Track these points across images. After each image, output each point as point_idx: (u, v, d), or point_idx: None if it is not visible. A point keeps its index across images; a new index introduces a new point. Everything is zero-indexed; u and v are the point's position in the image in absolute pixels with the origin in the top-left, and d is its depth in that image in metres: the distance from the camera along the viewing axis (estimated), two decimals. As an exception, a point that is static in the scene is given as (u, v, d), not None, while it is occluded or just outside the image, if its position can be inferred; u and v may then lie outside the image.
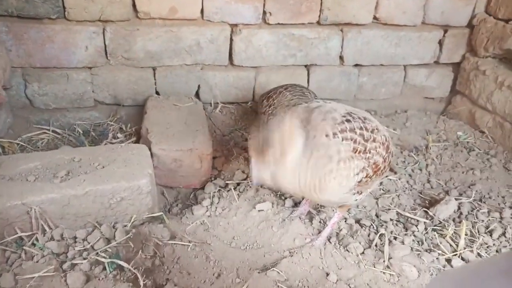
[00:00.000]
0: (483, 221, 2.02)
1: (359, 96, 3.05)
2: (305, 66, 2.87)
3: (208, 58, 2.66)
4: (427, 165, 2.49)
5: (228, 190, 2.08)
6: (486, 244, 1.88)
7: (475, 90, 2.92)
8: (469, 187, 2.32)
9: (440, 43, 2.97)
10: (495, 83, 2.74)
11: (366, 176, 1.53)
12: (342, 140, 1.47)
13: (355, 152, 1.48)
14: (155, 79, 2.64)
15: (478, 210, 2.10)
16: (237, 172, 2.21)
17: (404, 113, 3.10)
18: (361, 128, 1.50)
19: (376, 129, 1.57)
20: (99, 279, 1.53)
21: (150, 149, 2.03)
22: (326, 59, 2.85)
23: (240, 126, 2.68)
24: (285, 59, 2.78)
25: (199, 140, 2.18)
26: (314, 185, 1.49)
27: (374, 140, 1.53)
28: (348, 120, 1.51)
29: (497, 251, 1.85)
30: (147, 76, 2.62)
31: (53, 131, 2.51)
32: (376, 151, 1.53)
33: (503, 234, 1.94)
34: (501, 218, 2.06)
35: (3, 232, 1.61)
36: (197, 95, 2.76)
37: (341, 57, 2.88)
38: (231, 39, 2.65)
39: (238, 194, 2.05)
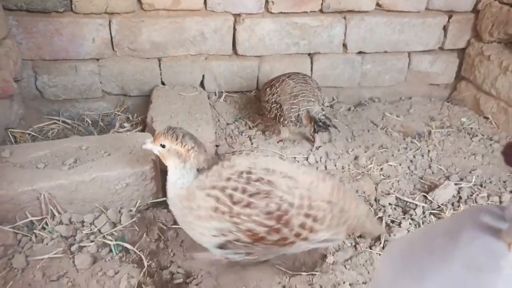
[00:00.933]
0: (479, 203, 2.04)
1: (363, 83, 3.06)
2: (309, 54, 2.89)
3: (212, 48, 2.71)
4: (429, 151, 2.51)
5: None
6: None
7: (479, 75, 2.90)
8: (470, 172, 2.33)
9: (445, 28, 2.96)
10: (500, 68, 2.72)
11: (238, 240, 1.43)
12: (206, 195, 1.42)
13: (215, 211, 1.41)
14: (160, 70, 2.70)
15: (477, 195, 2.12)
16: (240, 159, 2.26)
17: (409, 99, 3.10)
18: (235, 189, 1.40)
19: (264, 195, 1.41)
20: (105, 261, 1.61)
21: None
22: (329, 47, 2.87)
23: (244, 115, 2.73)
24: (288, 47, 2.80)
25: (202, 128, 2.24)
26: None
27: (248, 205, 1.40)
28: (228, 179, 1.43)
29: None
30: (153, 66, 2.68)
31: (63, 121, 2.60)
32: (249, 217, 1.39)
33: (501, 217, 1.96)
34: (500, 202, 2.08)
35: (15, 217, 1.70)
36: (201, 84, 2.81)
37: (344, 45, 2.89)
38: (235, 29, 2.68)
39: (240, 180, 2.10)
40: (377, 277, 0.84)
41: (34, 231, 1.67)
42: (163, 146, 1.52)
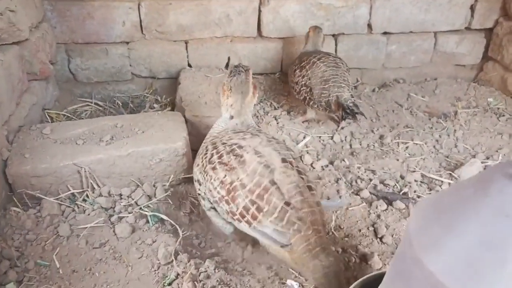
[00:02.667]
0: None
1: (387, 64, 3.06)
2: (333, 35, 2.90)
3: (237, 30, 2.75)
4: (455, 130, 2.51)
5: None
6: None
7: (507, 55, 2.86)
8: (496, 151, 2.33)
9: (472, 8, 2.92)
10: (529, 47, 2.69)
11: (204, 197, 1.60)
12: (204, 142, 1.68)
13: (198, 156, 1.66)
14: (187, 52, 2.76)
15: (504, 172, 2.12)
16: (266, 138, 2.32)
17: (434, 80, 3.09)
18: (218, 151, 1.57)
19: (227, 169, 1.49)
20: (143, 230, 1.70)
21: (184, 116, 2.17)
22: (353, 28, 2.87)
23: (269, 96, 2.77)
24: (312, 29, 2.82)
25: (230, 108, 2.29)
26: None
27: (213, 169, 1.53)
28: (223, 143, 1.60)
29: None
30: (180, 49, 2.74)
31: (95, 103, 2.70)
32: (209, 180, 1.54)
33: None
34: (528, 180, 2.08)
35: (57, 189, 1.80)
36: (227, 66, 2.86)
37: (369, 25, 2.89)
38: (259, 11, 2.72)
39: (267, 158, 2.16)
40: (407, 229, 0.89)
41: (76, 202, 1.77)
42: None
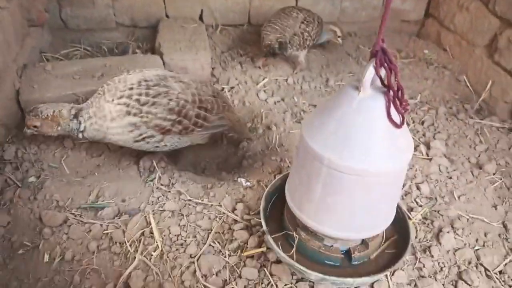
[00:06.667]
0: (418, 114, 2.60)
1: (342, 19, 3.50)
2: (294, -8, 3.31)
3: (209, -15, 3.13)
4: (389, 76, 3.02)
5: (224, 92, 2.68)
6: (416, 130, 2.48)
7: (442, 13, 3.34)
8: (419, 93, 2.86)
9: (415, -31, 3.34)
10: (457, 6, 3.16)
11: (150, 136, 1.82)
12: (117, 105, 1.75)
13: (128, 115, 1.75)
14: (164, 4, 3.14)
15: (419, 108, 2.67)
16: (231, 79, 2.79)
17: (381, 34, 3.55)
18: (140, 94, 1.75)
19: (164, 95, 1.78)
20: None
21: (162, 59, 2.61)
22: (312, -14, 3.28)
23: (236, 44, 3.21)
24: (276, -15, 3.22)
25: (201, 53, 2.74)
26: None
27: (153, 104, 1.76)
28: (131, 88, 1.77)
29: (423, 135, 2.44)
30: (158, 1, 3.12)
31: (84, 48, 3.09)
32: (155, 115, 1.77)
33: (432, 124, 2.52)
34: (436, 113, 2.63)
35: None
36: (200, 18, 3.26)
37: (326, -17, 3.30)
38: (229, -32, 3.09)
39: (231, 95, 2.65)
40: (301, 129, 1.41)
41: (76, 124, 2.24)
42: (36, 127, 1.84)
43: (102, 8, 3.05)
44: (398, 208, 1.60)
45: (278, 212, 1.69)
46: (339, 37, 3.12)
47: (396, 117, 1.27)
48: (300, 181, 1.43)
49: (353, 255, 1.51)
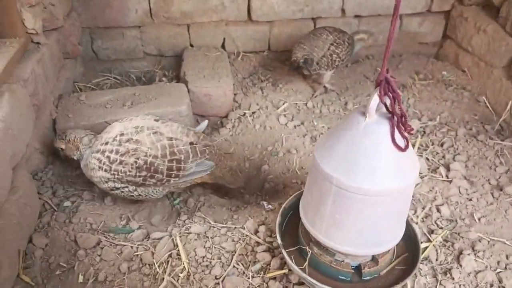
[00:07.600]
0: (437, 136, 2.63)
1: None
2: (312, 18, 3.43)
3: (231, 15, 3.29)
4: (408, 98, 3.07)
5: (245, 117, 2.79)
6: (436, 152, 2.51)
7: (460, 35, 3.39)
8: (438, 114, 2.89)
9: (431, -6, 3.42)
10: (475, 28, 3.20)
11: (119, 188, 1.90)
12: (93, 158, 1.90)
13: (100, 170, 1.88)
14: (189, 34, 3.31)
15: (438, 130, 2.70)
16: (252, 104, 2.90)
17: (399, 56, 3.63)
18: (111, 151, 1.84)
19: (133, 153, 1.83)
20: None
21: (187, 87, 2.75)
22: (329, 12, 3.39)
23: (256, 71, 3.33)
24: (294, 13, 3.35)
25: (223, 80, 2.87)
26: None
27: (121, 163, 1.84)
28: (106, 143, 1.88)
29: (443, 157, 2.47)
30: (183, 32, 3.29)
31: (114, 77, 3.28)
32: (125, 174, 1.84)
33: (452, 146, 2.55)
34: (456, 135, 2.65)
35: (93, 142, 2.41)
36: (222, 46, 3.41)
37: (343, 10, 3.41)
38: (249, -1, 3.25)
39: (252, 119, 2.76)
40: (314, 152, 1.49)
41: (107, 150, 2.39)
42: (62, 149, 2.03)
43: (131, 40, 3.25)
44: (409, 226, 1.67)
45: (293, 227, 1.76)
46: (368, 39, 3.22)
47: (401, 141, 1.36)
48: (312, 199, 1.52)
49: (363, 271, 1.57)
